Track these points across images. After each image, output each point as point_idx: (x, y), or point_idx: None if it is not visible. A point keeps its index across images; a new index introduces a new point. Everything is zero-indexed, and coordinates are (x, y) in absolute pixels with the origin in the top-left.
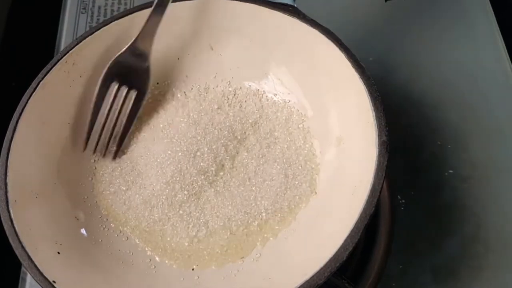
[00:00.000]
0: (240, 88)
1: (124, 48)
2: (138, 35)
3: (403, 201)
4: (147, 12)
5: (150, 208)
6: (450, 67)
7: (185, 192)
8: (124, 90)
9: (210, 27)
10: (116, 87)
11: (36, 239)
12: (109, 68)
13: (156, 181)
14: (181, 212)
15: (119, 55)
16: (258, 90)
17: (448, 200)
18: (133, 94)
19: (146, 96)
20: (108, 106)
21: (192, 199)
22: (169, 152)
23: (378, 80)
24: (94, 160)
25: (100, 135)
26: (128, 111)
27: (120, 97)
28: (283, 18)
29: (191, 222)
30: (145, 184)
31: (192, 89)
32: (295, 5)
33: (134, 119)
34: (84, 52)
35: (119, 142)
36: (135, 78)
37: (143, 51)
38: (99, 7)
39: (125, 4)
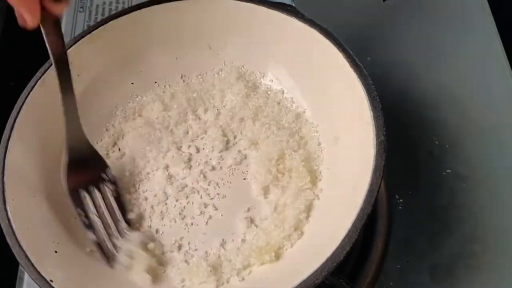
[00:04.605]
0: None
1: (65, 158)
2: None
3: (401, 200)
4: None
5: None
6: (448, 67)
7: (185, 199)
8: (95, 191)
9: (209, 26)
10: (86, 194)
11: (34, 238)
12: (68, 183)
13: (157, 185)
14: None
15: (67, 167)
16: (256, 89)
17: (446, 199)
18: (105, 187)
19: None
20: (96, 213)
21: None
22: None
23: (376, 80)
24: None
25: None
26: (113, 203)
27: (97, 198)
28: (281, 18)
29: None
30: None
31: (190, 88)
32: (294, 5)
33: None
34: (82, 50)
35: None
36: (95, 172)
37: (79, 143)
38: (97, 6)
39: (123, 3)
